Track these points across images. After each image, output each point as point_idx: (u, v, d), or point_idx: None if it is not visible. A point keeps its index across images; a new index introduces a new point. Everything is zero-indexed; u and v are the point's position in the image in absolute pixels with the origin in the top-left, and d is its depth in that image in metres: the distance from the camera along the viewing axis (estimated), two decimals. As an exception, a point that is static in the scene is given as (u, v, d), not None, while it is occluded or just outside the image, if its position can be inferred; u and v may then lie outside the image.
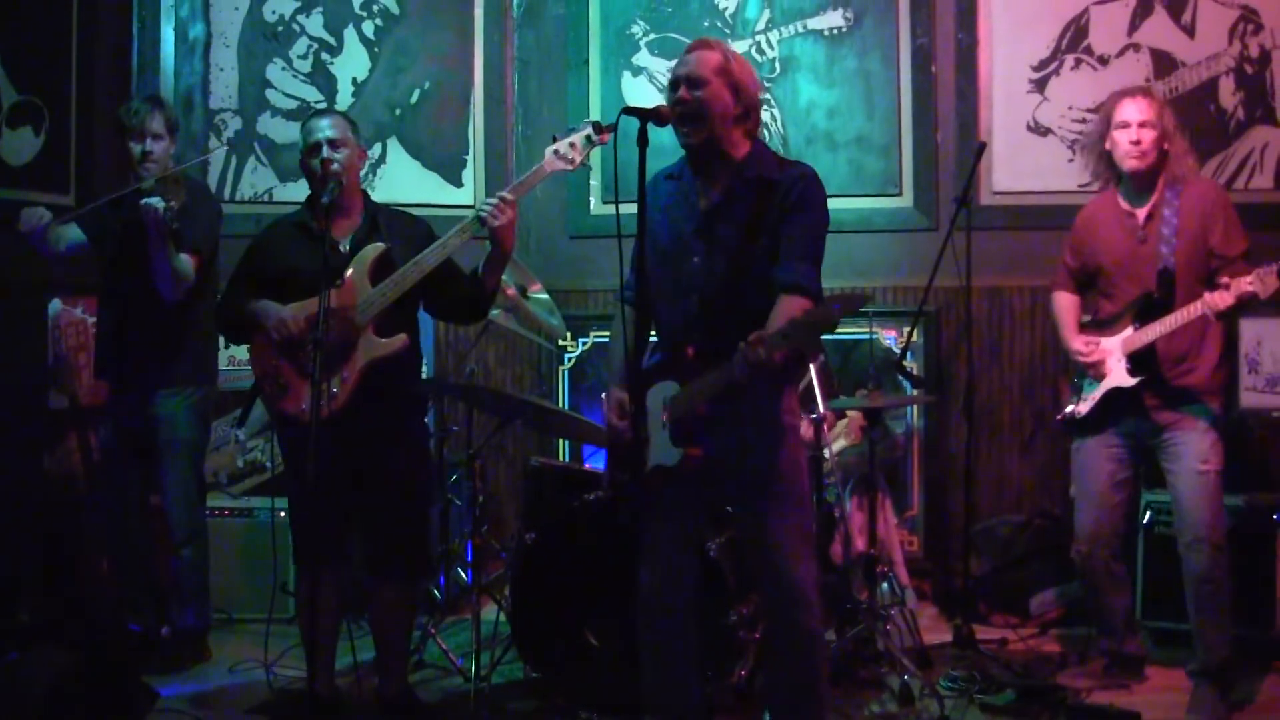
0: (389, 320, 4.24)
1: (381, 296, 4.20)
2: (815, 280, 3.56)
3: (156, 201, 4.62)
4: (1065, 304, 4.85)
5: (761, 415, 3.63)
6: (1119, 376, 4.54)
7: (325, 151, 4.29)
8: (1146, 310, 4.47)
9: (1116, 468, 4.64)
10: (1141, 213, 4.57)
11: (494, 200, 4.16)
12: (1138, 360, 4.49)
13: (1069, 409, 4.72)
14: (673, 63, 3.72)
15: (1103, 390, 4.59)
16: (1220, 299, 4.25)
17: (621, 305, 3.83)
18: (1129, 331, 4.51)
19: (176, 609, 5.17)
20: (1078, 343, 4.66)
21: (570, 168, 4.17)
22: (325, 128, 4.33)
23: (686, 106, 3.57)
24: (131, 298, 5.00)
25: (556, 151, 4.17)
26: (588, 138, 4.09)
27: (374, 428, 4.27)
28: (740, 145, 3.66)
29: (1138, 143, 4.50)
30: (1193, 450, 4.47)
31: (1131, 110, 4.52)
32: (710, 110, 3.57)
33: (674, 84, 3.63)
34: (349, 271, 4.24)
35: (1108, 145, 4.60)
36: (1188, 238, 4.47)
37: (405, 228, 4.41)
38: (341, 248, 4.31)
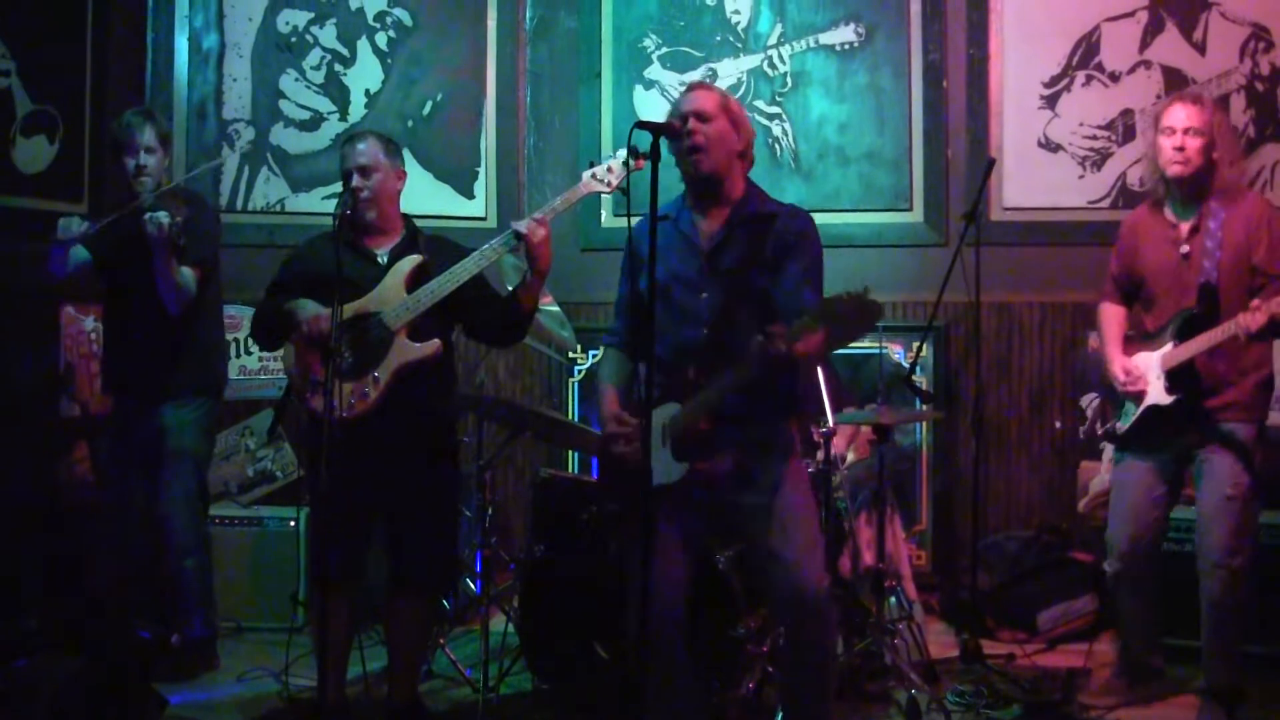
0: (424, 333, 4.28)
1: (416, 303, 4.25)
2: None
3: (162, 216, 4.63)
4: (1111, 317, 4.74)
5: (764, 436, 3.69)
6: (1157, 394, 4.46)
7: (356, 180, 4.34)
8: (1187, 326, 4.38)
9: (1156, 482, 4.56)
10: (1185, 225, 4.47)
11: (530, 219, 4.22)
12: (1176, 377, 4.41)
13: (1110, 425, 4.66)
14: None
15: (1142, 409, 4.51)
16: (1251, 320, 4.16)
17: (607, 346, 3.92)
18: (1169, 348, 4.42)
19: (183, 619, 5.18)
20: (1117, 367, 4.57)
21: (607, 190, 4.24)
22: (358, 155, 4.38)
23: (694, 139, 3.68)
24: (134, 311, 5.02)
25: (594, 175, 4.25)
26: (625, 163, 4.14)
27: (405, 440, 4.30)
28: (738, 184, 3.79)
29: (1181, 149, 4.39)
30: (1224, 474, 4.40)
31: (1179, 116, 4.42)
32: (720, 144, 3.71)
33: (682, 118, 3.70)
34: (386, 279, 4.30)
35: (1153, 151, 4.50)
36: (1232, 253, 4.37)
37: (443, 248, 4.45)
38: (380, 259, 4.37)
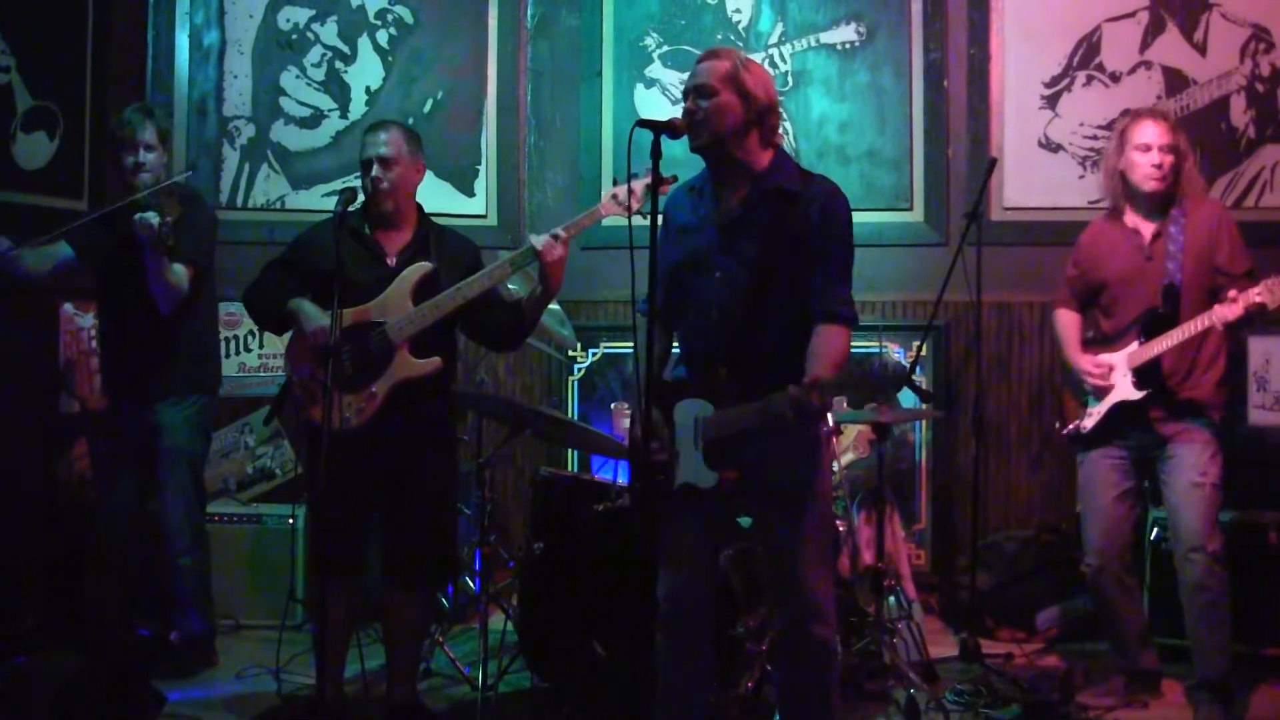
0: (427, 338, 4.27)
1: (421, 317, 4.23)
2: (851, 306, 3.59)
3: (151, 216, 4.60)
4: (1067, 321, 4.89)
5: (796, 440, 3.62)
6: (1124, 391, 4.57)
7: (375, 170, 4.31)
8: (1152, 325, 4.51)
9: (1121, 479, 4.66)
10: (1148, 231, 4.61)
11: (548, 236, 4.20)
12: (1142, 374, 4.52)
13: (1074, 424, 4.74)
14: (685, 75, 3.75)
15: (1108, 405, 4.62)
16: (1229, 310, 4.30)
17: (642, 316, 3.84)
18: (1134, 346, 4.55)
19: (180, 616, 5.17)
20: (1085, 362, 4.68)
21: (627, 213, 4.17)
22: (379, 144, 4.34)
23: (692, 117, 3.58)
24: (127, 309, 5.01)
25: (615, 196, 4.24)
26: (648, 186, 4.07)
27: (402, 435, 4.30)
28: (758, 154, 3.64)
29: (1159, 166, 4.53)
30: (1191, 462, 4.51)
31: (1152, 133, 4.55)
32: (717, 120, 3.57)
33: (685, 95, 3.66)
34: (392, 287, 4.28)
35: (1123, 166, 4.62)
36: (1194, 255, 4.51)
37: (455, 249, 4.43)
38: (389, 261, 4.34)
